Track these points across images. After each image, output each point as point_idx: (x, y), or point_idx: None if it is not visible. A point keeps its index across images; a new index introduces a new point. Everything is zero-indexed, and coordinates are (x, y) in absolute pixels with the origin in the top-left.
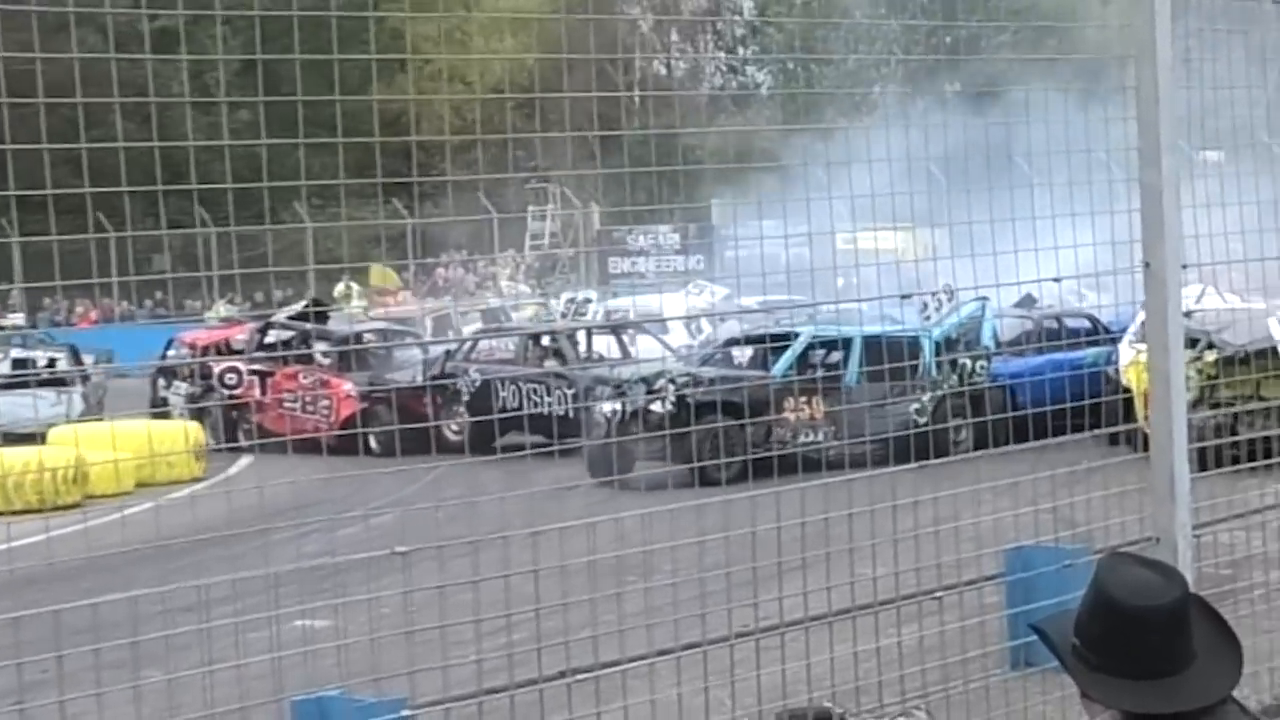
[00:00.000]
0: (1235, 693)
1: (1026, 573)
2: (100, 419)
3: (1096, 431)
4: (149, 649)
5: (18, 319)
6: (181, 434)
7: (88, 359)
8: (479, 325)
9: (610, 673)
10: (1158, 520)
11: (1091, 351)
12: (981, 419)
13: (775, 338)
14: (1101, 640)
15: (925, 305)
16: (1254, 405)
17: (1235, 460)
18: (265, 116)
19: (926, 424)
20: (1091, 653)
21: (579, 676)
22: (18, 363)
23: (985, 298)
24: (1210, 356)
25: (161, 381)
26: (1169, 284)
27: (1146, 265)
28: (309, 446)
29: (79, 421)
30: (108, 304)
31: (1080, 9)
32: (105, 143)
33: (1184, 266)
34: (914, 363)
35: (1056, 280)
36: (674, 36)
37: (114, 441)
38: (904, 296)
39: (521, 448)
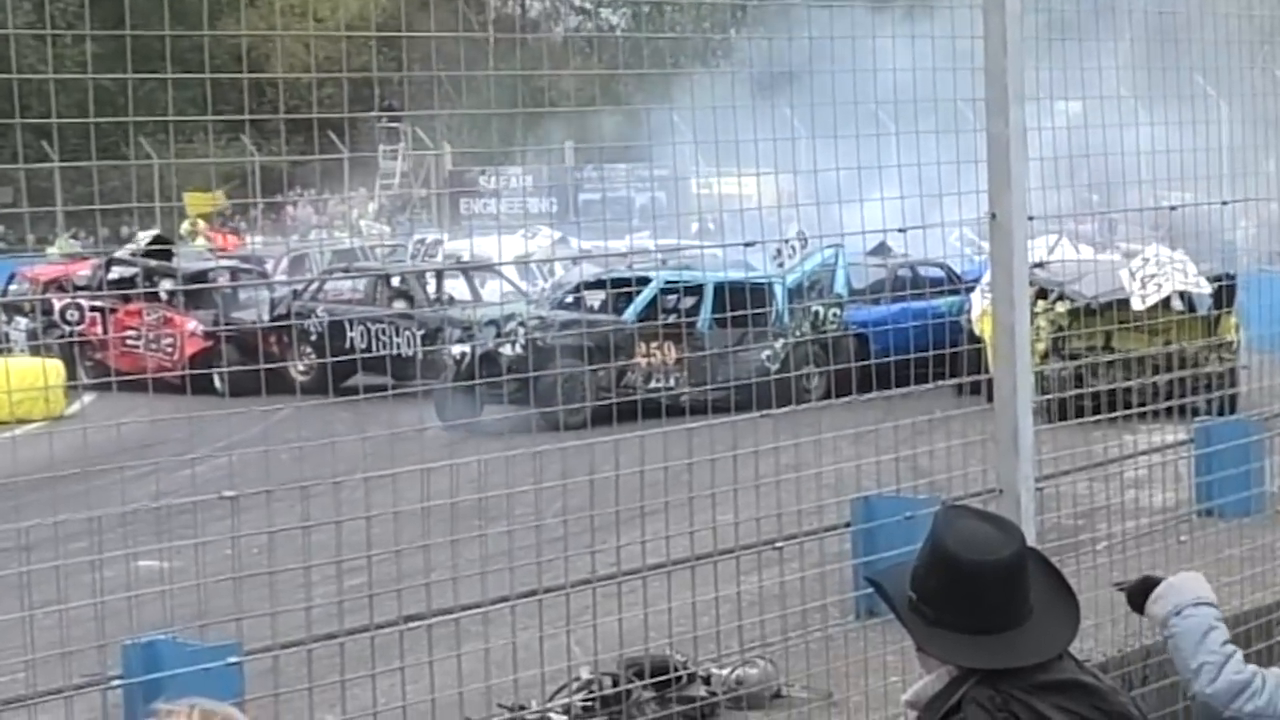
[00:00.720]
0: (1074, 647)
1: (872, 523)
2: None
3: (946, 381)
4: None
5: None
6: (39, 371)
7: None
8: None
9: (445, 620)
10: (1001, 473)
11: (944, 301)
12: (833, 367)
13: (628, 282)
14: (938, 594)
15: (779, 252)
16: (1104, 357)
17: (1083, 412)
18: (112, 49)
19: (778, 371)
20: (928, 606)
21: (412, 625)
22: None
23: (839, 244)
24: (1062, 308)
25: (2, 317)
26: (1015, 235)
27: (993, 216)
28: (153, 386)
29: None
30: None
31: None
32: None
33: (1030, 218)
34: (766, 310)
35: (901, 231)
36: None
37: None
38: (748, 244)
39: (371, 387)
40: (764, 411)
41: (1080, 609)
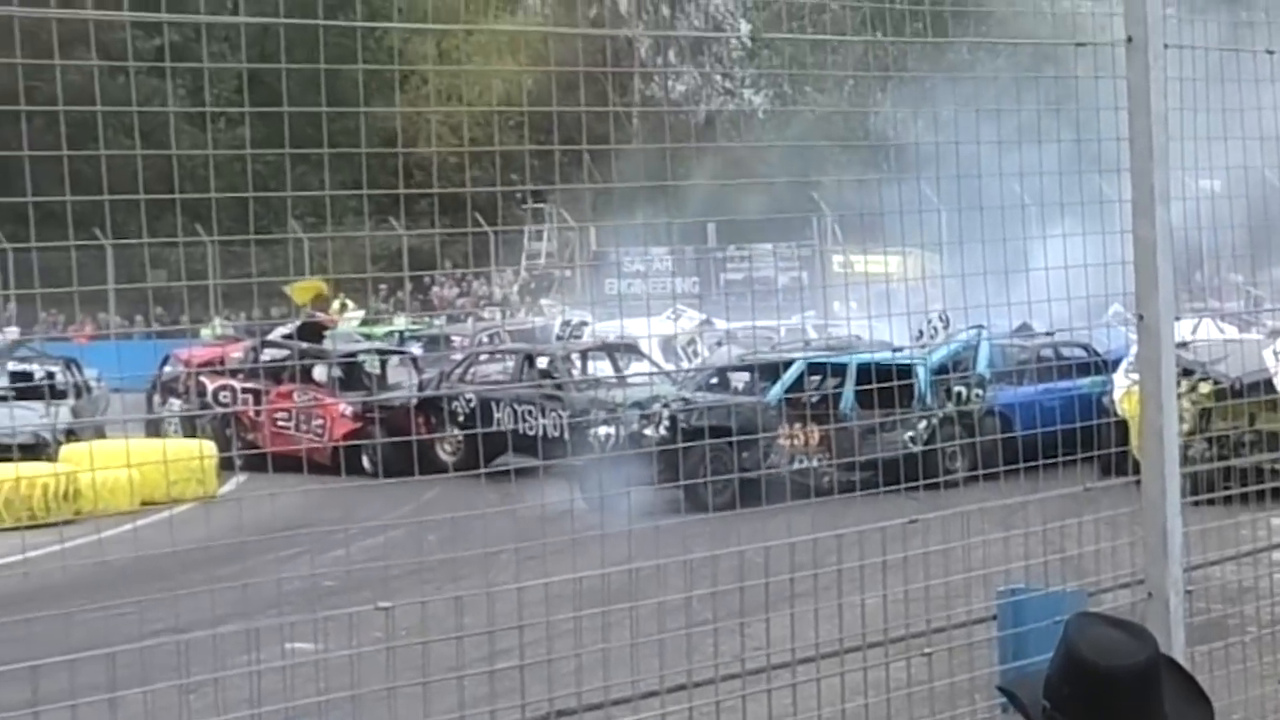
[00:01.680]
0: None
1: (1020, 627)
2: (92, 434)
3: (1088, 454)
4: (126, 672)
5: (12, 333)
6: (194, 451)
7: (90, 373)
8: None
9: (594, 713)
10: (1150, 575)
11: (1087, 380)
12: (976, 438)
13: (772, 364)
14: (1071, 701)
15: (920, 332)
16: (1248, 436)
17: (1229, 490)
18: (265, 134)
19: (921, 451)
20: (1062, 714)
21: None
22: (15, 375)
23: (981, 325)
24: (1205, 388)
25: (157, 398)
26: (1163, 338)
27: (1140, 318)
28: (301, 467)
29: (69, 436)
30: (103, 319)
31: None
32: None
33: (1177, 319)
34: (909, 386)
35: (1049, 334)
36: (671, 57)
37: (128, 457)
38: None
39: (517, 469)
40: (907, 489)
41: (1215, 716)
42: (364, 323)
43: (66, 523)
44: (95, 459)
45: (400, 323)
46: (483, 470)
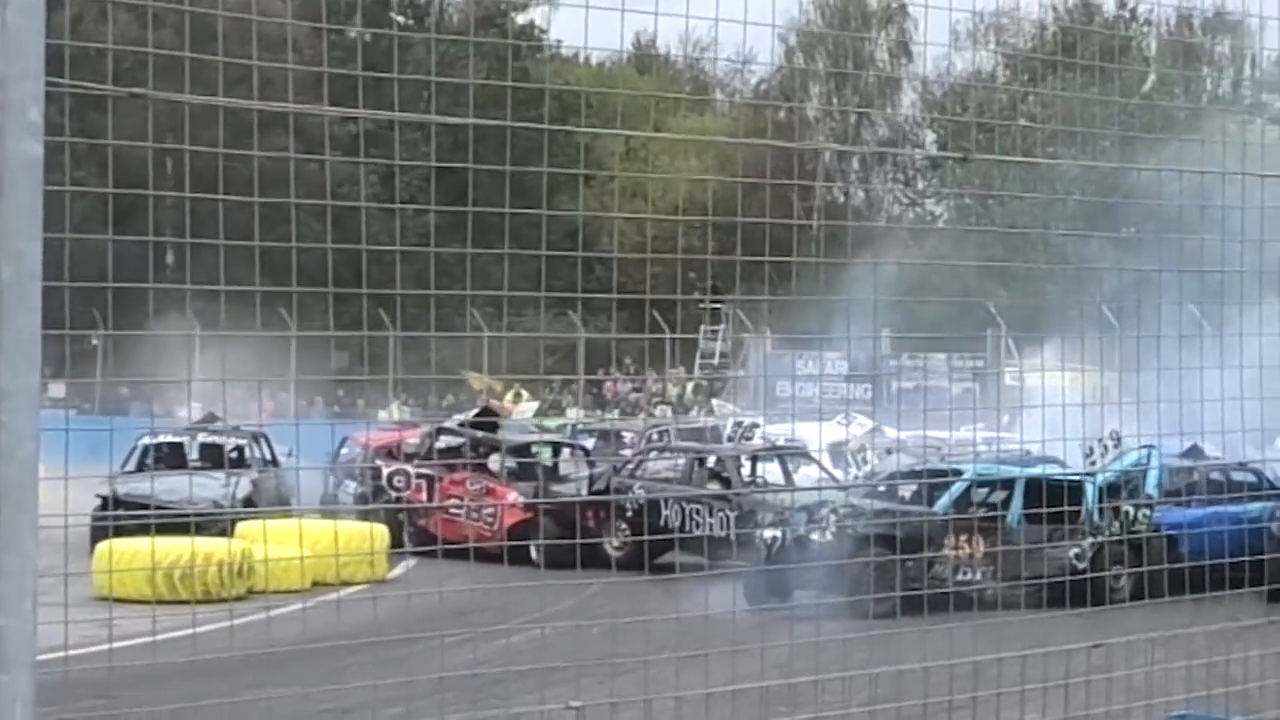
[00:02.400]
0: None
1: None
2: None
3: (1261, 588)
4: None
5: (195, 409)
6: (366, 535)
7: (280, 448)
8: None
9: None
10: None
11: (1256, 506)
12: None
13: (939, 474)
14: None
15: (1091, 450)
16: None
17: None
18: (452, 222)
19: (1086, 570)
20: None
21: None
22: (205, 447)
23: (1152, 445)
24: None
25: (332, 480)
26: None
27: None
28: (474, 555)
29: (247, 504)
30: (284, 399)
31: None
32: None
33: None
34: (1076, 508)
35: (1242, 466)
36: (854, 166)
37: (300, 537)
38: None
39: (682, 566)
40: (1073, 610)
41: None
42: (537, 414)
43: (237, 599)
44: (270, 537)
45: (573, 415)
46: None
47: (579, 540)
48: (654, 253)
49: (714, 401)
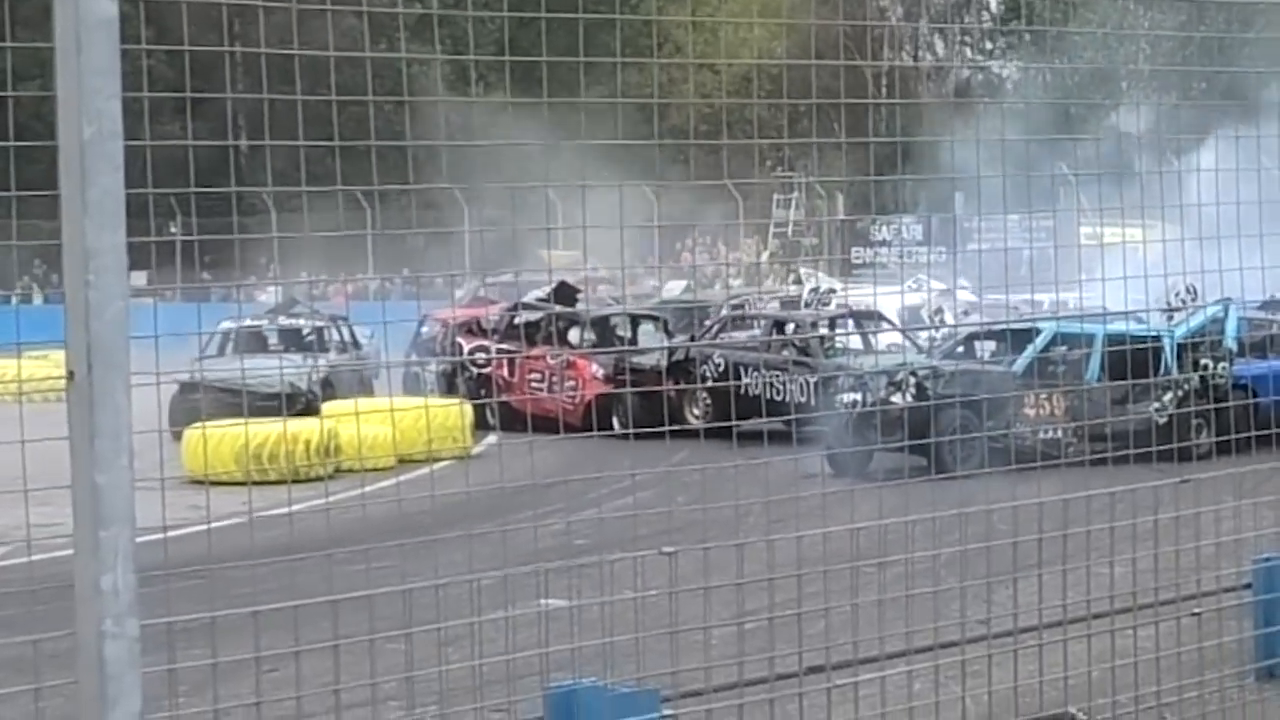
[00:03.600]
0: None
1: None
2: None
3: None
4: (385, 623)
5: (271, 294)
6: (450, 412)
7: (362, 331)
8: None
9: (843, 671)
10: None
11: None
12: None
13: (1017, 333)
14: None
15: (1168, 303)
16: None
17: None
18: (524, 104)
19: (1167, 425)
20: None
21: (838, 682)
22: (285, 331)
23: (1229, 299)
24: None
25: (414, 357)
26: None
27: None
28: (554, 427)
29: (325, 388)
30: (363, 280)
31: None
32: (357, 136)
33: None
34: (1155, 358)
35: None
36: (923, 29)
37: (393, 417)
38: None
39: (763, 434)
40: (1155, 460)
41: None
42: (685, 291)
43: (328, 478)
44: (353, 417)
45: (673, 288)
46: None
47: (663, 404)
48: (719, 124)
49: (802, 270)
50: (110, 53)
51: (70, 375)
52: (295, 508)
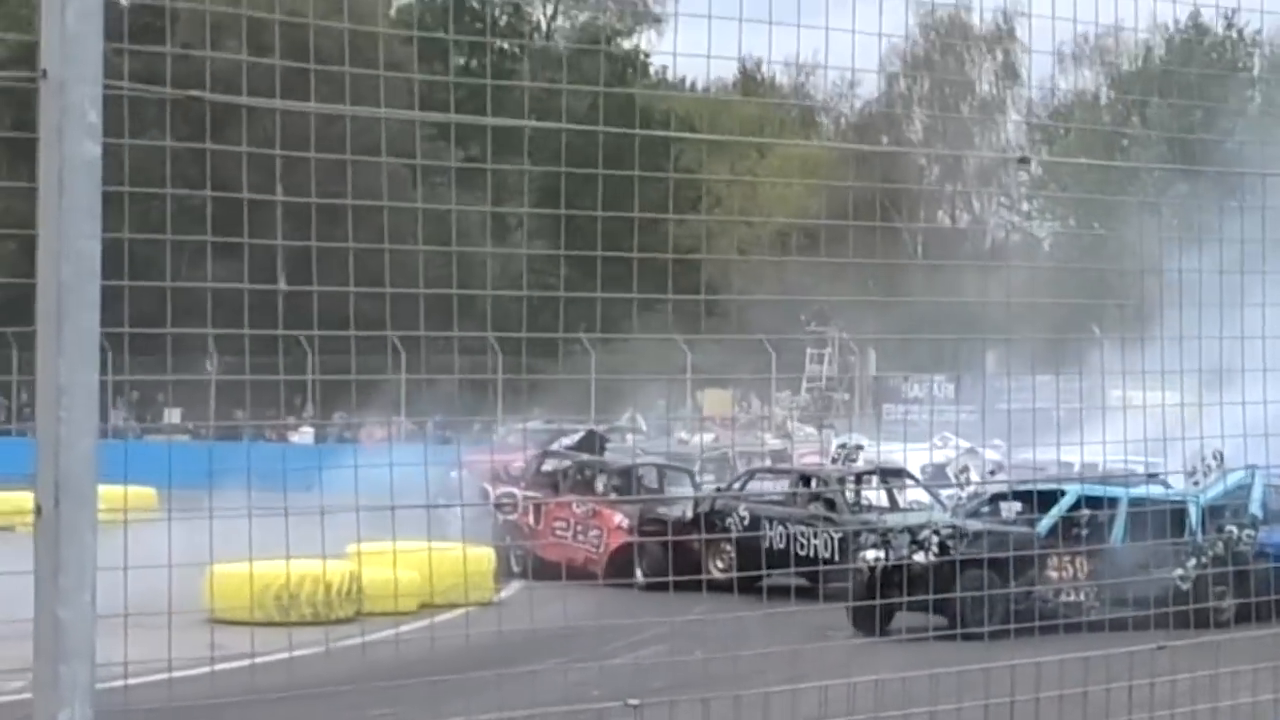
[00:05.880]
0: None
1: None
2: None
3: None
4: None
5: (307, 433)
6: (472, 558)
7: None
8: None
9: None
10: None
11: None
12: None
13: (1042, 495)
14: None
15: (1194, 469)
16: None
17: None
18: (562, 249)
19: (1190, 592)
20: None
21: None
22: None
23: (1255, 466)
24: None
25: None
26: None
27: None
28: (579, 575)
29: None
30: (396, 422)
31: None
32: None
33: None
34: (1179, 524)
35: None
36: (960, 190)
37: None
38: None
39: (786, 588)
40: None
41: None
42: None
43: (346, 621)
44: (379, 560)
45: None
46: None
47: (687, 555)
48: (758, 274)
49: (820, 424)
50: (92, 194)
51: (38, 510)
52: (297, 652)
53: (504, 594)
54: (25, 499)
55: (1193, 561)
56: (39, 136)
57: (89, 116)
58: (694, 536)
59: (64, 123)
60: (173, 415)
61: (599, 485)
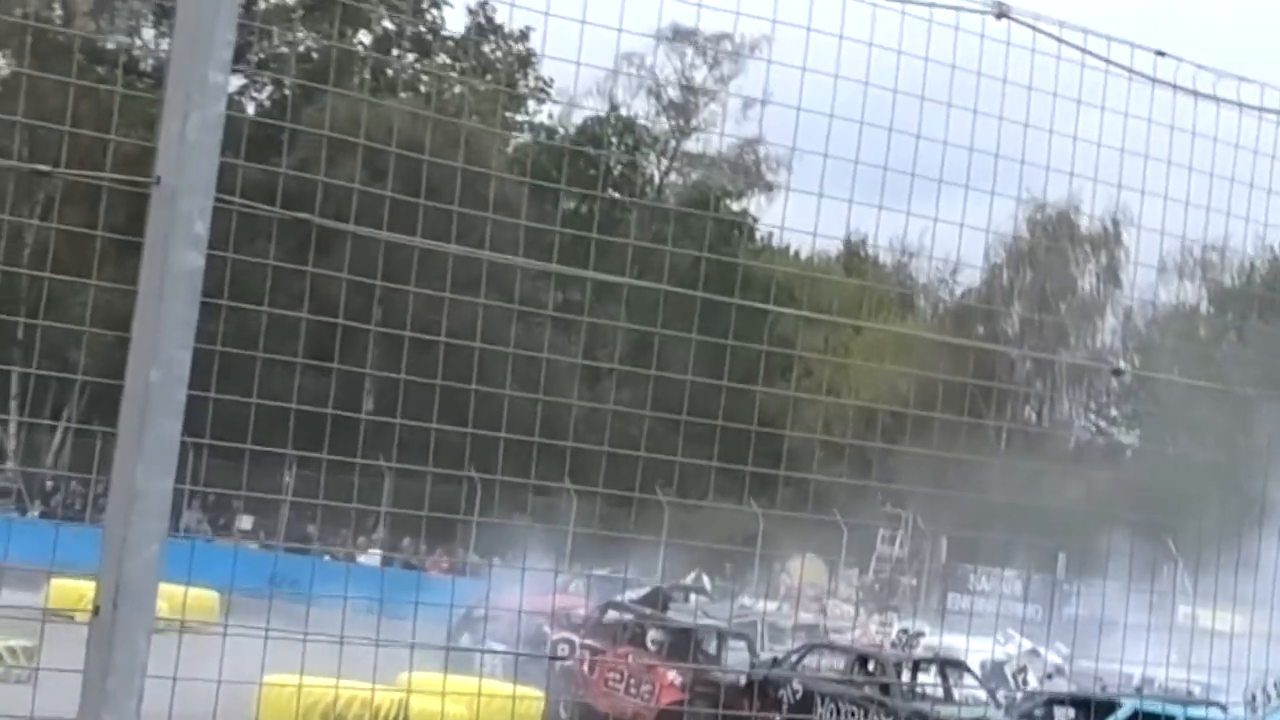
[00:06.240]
0: None
1: None
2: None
3: None
4: None
5: (375, 556)
6: (523, 699)
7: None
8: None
9: None
10: None
11: None
12: None
13: (1099, 703)
14: None
15: (1254, 697)
16: None
17: None
18: (650, 398)
19: None
20: None
21: None
22: None
23: None
24: None
25: (466, 635)
26: None
27: None
28: None
29: None
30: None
31: None
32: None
33: None
34: None
35: None
36: (1047, 391)
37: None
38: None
39: None
40: None
41: None
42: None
43: None
44: (427, 688)
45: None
46: None
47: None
48: (839, 449)
49: (885, 608)
50: (190, 304)
51: (95, 610)
52: None
53: None
54: (89, 589)
55: None
56: (144, 241)
57: (196, 227)
58: (745, 711)
59: (171, 231)
60: (243, 522)
61: (651, 640)
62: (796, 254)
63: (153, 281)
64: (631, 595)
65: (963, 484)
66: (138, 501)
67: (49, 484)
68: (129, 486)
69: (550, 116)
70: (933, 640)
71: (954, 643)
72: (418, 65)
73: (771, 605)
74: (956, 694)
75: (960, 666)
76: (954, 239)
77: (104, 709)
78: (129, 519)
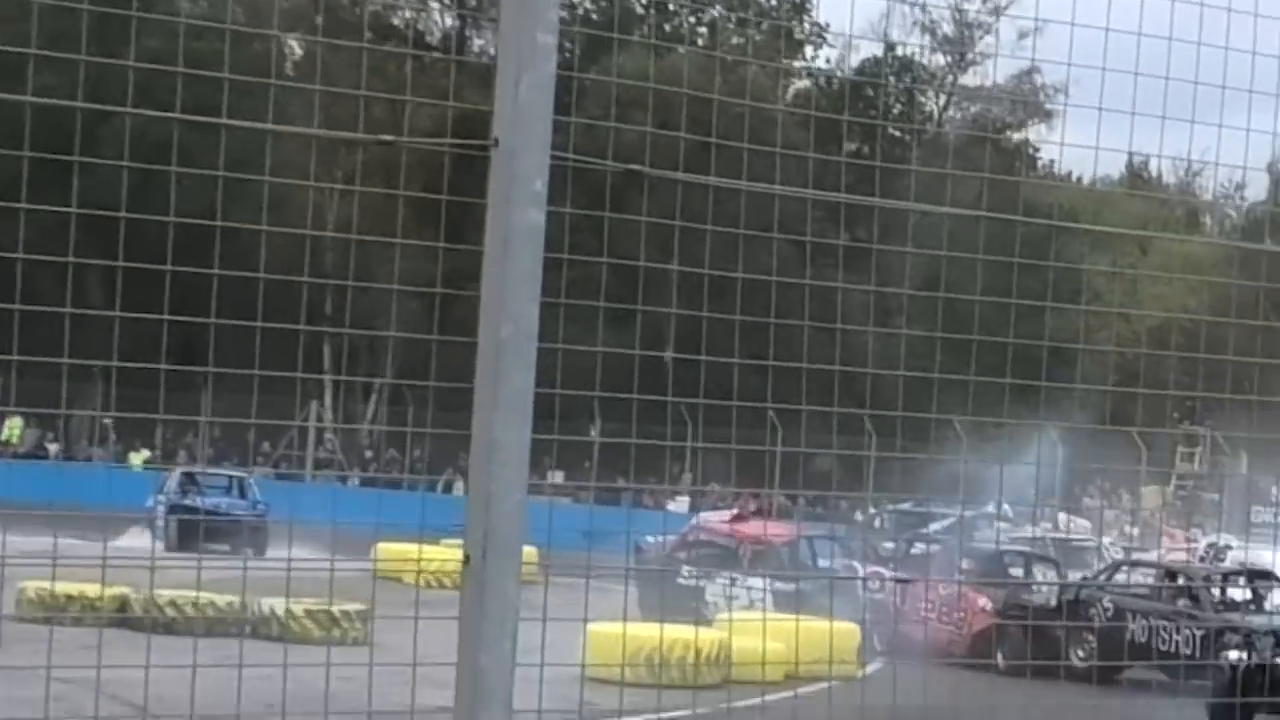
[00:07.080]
0: None
1: None
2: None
3: None
4: None
5: (683, 500)
6: (837, 632)
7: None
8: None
9: None
10: None
11: None
12: None
13: None
14: None
15: None
16: None
17: None
18: (945, 344)
19: None
20: None
21: None
22: None
23: None
24: None
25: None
26: None
27: None
28: (941, 655)
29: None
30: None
31: None
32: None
33: None
34: None
35: None
36: None
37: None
38: None
39: (1146, 681)
40: None
41: None
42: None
43: (713, 687)
44: (746, 628)
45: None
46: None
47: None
48: (1133, 369)
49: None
50: (534, 259)
51: (466, 559)
52: (665, 715)
53: (868, 670)
54: (411, 550)
55: None
56: (487, 202)
57: (535, 185)
58: (1057, 623)
59: (512, 190)
60: (555, 477)
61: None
62: (1080, 179)
63: (497, 240)
64: (936, 526)
65: (1260, 395)
66: (498, 452)
67: (367, 453)
68: (488, 438)
69: (828, 61)
70: (1239, 555)
71: (1260, 556)
72: (694, 19)
73: (1083, 525)
74: (1267, 604)
75: (1270, 577)
76: (1240, 152)
77: (481, 651)
78: (490, 470)
